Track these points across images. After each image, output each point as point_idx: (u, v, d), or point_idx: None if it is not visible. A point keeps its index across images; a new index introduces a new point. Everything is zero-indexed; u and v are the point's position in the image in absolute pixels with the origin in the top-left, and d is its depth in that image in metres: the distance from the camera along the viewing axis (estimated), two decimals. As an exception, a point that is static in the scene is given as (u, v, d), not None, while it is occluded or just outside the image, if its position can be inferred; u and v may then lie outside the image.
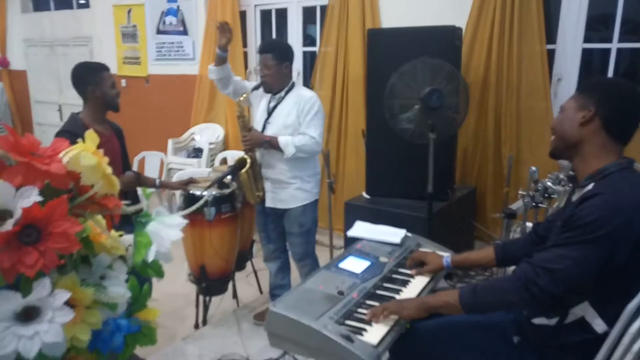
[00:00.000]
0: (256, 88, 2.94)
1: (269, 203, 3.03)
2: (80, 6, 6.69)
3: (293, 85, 2.96)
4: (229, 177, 3.05)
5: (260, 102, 3.01)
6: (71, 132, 2.41)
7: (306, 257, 3.10)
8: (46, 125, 7.39)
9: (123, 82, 6.16)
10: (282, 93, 2.92)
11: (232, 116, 5.37)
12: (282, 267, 3.26)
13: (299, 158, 2.85)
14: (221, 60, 2.92)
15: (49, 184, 0.93)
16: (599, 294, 1.49)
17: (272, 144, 2.84)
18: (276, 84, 2.89)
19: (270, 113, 2.93)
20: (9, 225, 0.82)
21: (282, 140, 2.81)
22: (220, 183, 3.02)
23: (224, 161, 4.96)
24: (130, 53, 6.13)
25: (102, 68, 2.65)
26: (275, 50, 2.87)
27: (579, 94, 1.60)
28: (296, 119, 2.85)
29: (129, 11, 6.01)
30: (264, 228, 3.18)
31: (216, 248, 3.04)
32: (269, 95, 2.96)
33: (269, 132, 2.90)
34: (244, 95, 2.93)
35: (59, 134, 2.45)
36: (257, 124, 2.98)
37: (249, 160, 2.90)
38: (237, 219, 3.12)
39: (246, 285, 3.72)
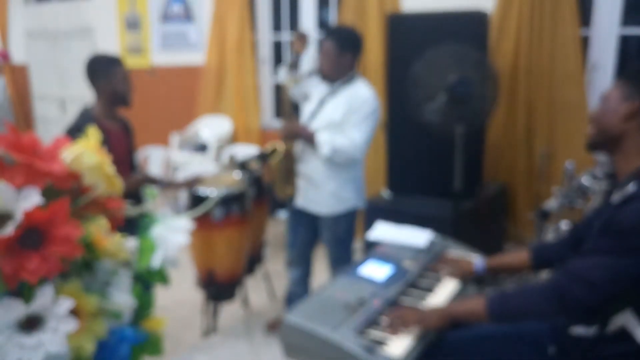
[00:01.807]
0: (311, 74, 2.93)
1: (300, 201, 3.01)
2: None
3: (352, 79, 2.88)
4: (254, 162, 3.05)
5: (315, 91, 2.99)
6: (83, 130, 2.45)
7: (340, 263, 3.04)
8: (49, 121, 7.48)
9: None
10: (338, 85, 2.86)
11: (241, 107, 5.40)
12: (302, 276, 3.22)
13: (335, 161, 2.79)
14: (292, 65, 2.99)
15: (51, 185, 0.94)
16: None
17: (308, 139, 2.80)
18: (331, 73, 2.85)
19: (320, 105, 2.90)
20: (10, 229, 0.83)
21: (320, 137, 2.75)
22: (242, 166, 3.02)
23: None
24: (134, 43, 6.18)
25: (114, 62, 2.69)
26: (338, 37, 2.83)
27: (624, 82, 1.56)
28: (343, 116, 2.78)
29: (134, -1, 6.07)
30: (292, 231, 3.17)
31: (225, 251, 3.06)
32: (326, 85, 2.92)
33: (313, 125, 2.86)
34: (293, 78, 2.95)
35: (70, 132, 2.49)
36: (305, 114, 2.97)
37: (279, 150, 2.89)
38: (247, 220, 3.13)
39: (257, 291, 3.74)
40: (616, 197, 1.53)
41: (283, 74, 3.03)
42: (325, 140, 2.73)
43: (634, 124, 1.52)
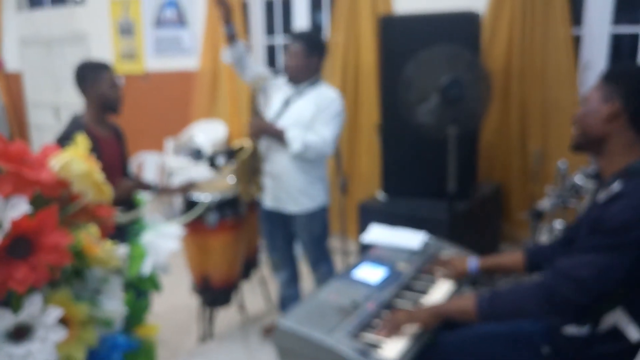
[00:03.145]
0: (277, 75, 2.96)
1: (269, 203, 3.03)
2: (77, 2, 6.74)
3: (317, 82, 2.95)
4: (222, 159, 3.04)
5: (279, 92, 3.01)
6: (72, 138, 2.44)
7: (320, 261, 3.10)
8: (43, 129, 7.45)
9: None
10: (304, 87, 2.91)
11: (235, 111, 5.39)
12: (291, 278, 3.25)
13: (305, 157, 2.83)
14: (229, 38, 2.95)
15: (39, 193, 0.94)
16: (633, 299, 1.48)
17: (277, 135, 2.81)
18: (299, 75, 2.89)
19: (285, 105, 2.93)
20: (-3, 238, 0.83)
21: (290, 134, 2.77)
22: (212, 162, 3.01)
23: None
24: (128, 49, 6.18)
25: (102, 67, 2.67)
26: (306, 40, 2.88)
27: (604, 83, 1.56)
28: (311, 117, 2.84)
29: (127, 5, 6.05)
30: (269, 235, 3.19)
31: (220, 256, 3.05)
32: (290, 87, 2.95)
33: (279, 125, 2.88)
34: (260, 78, 2.95)
35: (60, 141, 2.47)
36: (270, 114, 2.98)
37: (246, 148, 2.89)
38: (242, 225, 3.12)
39: (253, 296, 3.73)
40: (601, 196, 1.54)
41: (227, 55, 3.03)
42: (296, 136, 2.76)
43: (615, 124, 1.52)
